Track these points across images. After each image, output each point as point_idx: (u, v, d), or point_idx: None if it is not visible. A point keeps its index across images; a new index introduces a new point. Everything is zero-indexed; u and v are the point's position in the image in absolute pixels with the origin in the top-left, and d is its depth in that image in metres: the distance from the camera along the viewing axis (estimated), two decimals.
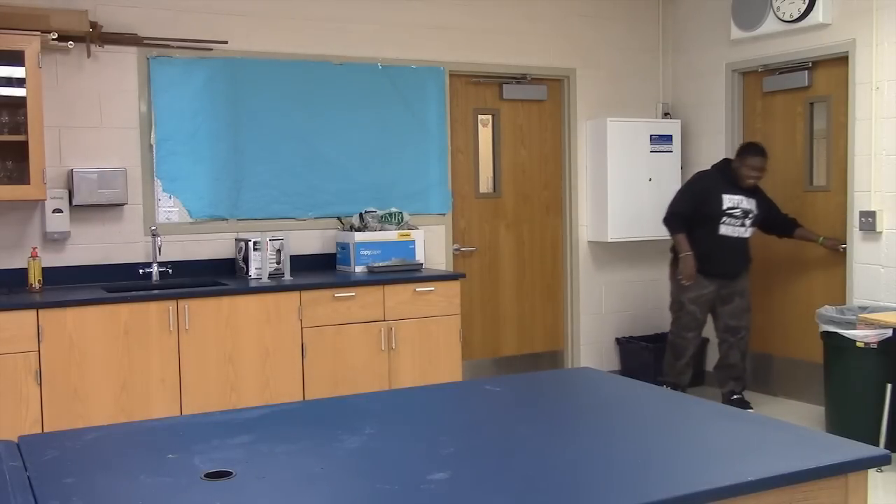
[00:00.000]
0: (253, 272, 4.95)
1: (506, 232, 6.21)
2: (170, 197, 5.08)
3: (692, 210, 5.53)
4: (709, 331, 6.37)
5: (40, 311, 4.22)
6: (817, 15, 5.38)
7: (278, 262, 5.00)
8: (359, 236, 5.25)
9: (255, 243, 4.95)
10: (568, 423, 2.16)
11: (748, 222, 5.50)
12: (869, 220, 5.20)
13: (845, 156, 5.41)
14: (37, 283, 4.62)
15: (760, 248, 6.06)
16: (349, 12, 5.53)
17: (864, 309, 5.01)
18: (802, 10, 5.45)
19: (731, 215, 5.46)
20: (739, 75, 6.13)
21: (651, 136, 6.31)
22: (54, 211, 4.73)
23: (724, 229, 5.47)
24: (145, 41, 4.98)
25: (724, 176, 5.52)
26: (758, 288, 6.11)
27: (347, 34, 5.53)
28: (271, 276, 4.95)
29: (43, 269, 4.68)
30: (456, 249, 5.97)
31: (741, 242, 5.54)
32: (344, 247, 5.35)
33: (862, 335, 4.73)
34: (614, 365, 6.48)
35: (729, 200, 5.46)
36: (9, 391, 4.16)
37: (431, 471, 1.76)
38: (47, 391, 4.23)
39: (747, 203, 5.48)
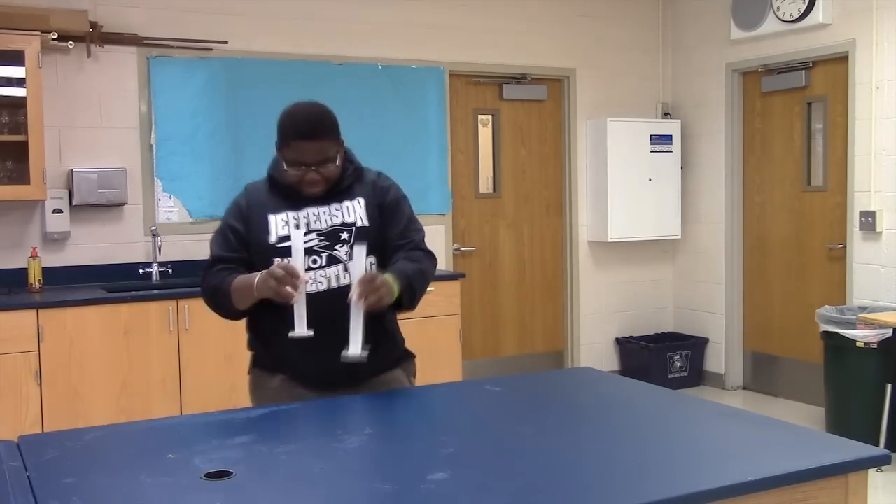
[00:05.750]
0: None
1: (506, 232, 6.21)
2: (170, 197, 5.08)
3: None
4: (708, 329, 6.38)
5: (40, 311, 4.22)
6: (817, 15, 5.38)
7: None
8: None
9: None
10: (568, 423, 2.16)
11: None
12: (869, 220, 5.20)
13: (843, 156, 5.40)
14: (37, 283, 4.62)
15: (759, 246, 6.07)
16: (349, 12, 5.53)
17: (864, 309, 5.00)
18: (802, 10, 5.45)
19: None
20: (739, 75, 6.13)
21: (651, 136, 6.31)
22: (54, 211, 4.73)
23: None
24: (145, 41, 4.98)
25: None
26: (758, 288, 6.12)
27: (347, 34, 5.52)
28: None
29: (43, 269, 4.67)
30: (456, 249, 5.97)
31: None
32: None
33: (862, 335, 4.73)
34: (614, 365, 6.48)
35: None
36: (9, 391, 4.15)
37: (431, 471, 1.75)
38: (47, 391, 4.23)
39: None
